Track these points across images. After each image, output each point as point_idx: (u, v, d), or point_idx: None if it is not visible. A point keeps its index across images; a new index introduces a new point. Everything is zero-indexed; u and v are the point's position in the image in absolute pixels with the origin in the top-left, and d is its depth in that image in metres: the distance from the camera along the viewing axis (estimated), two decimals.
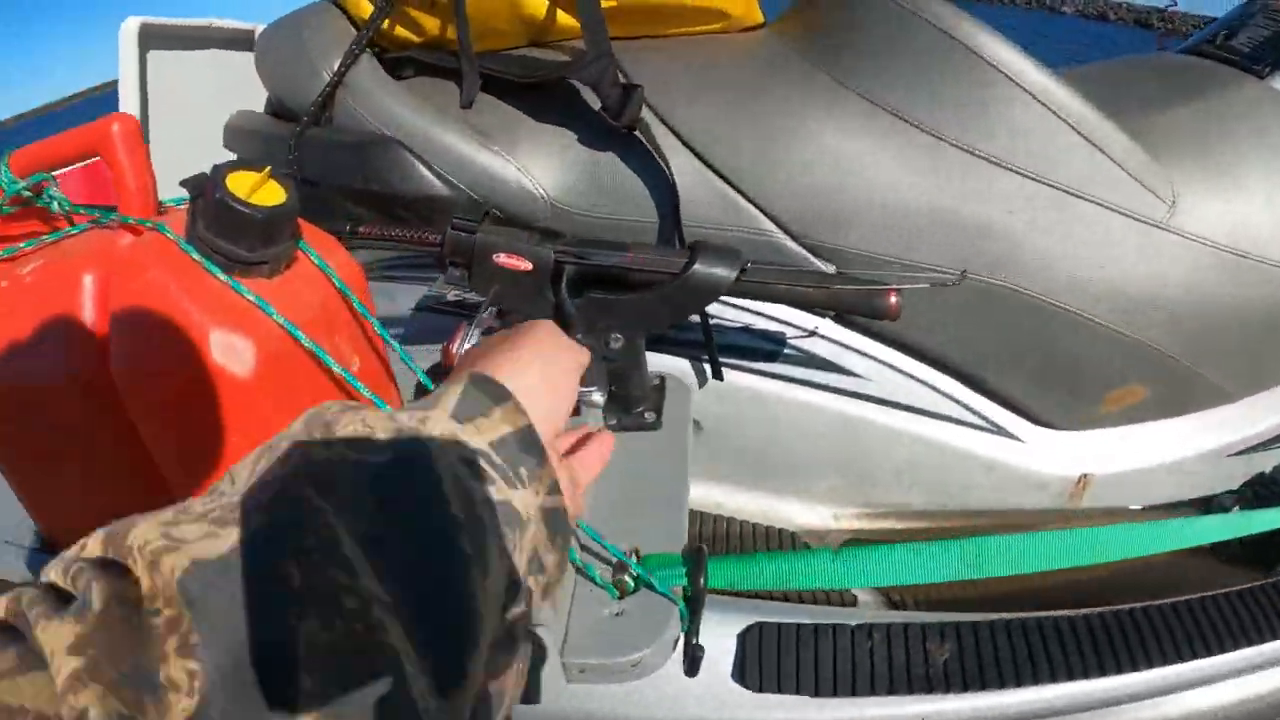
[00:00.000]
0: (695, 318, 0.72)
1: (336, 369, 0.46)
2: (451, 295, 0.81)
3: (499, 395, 0.33)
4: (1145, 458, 0.79)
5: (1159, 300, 0.73)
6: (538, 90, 0.71)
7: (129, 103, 1.10)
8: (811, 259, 0.70)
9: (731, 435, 0.75)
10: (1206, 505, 0.86)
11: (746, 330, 0.72)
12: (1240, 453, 0.82)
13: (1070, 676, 0.60)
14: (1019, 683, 0.60)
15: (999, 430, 0.75)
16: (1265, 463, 0.86)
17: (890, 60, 0.70)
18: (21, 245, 0.49)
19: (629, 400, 0.66)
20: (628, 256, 0.61)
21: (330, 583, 0.23)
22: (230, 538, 0.23)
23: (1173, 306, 0.73)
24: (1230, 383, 0.80)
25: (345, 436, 0.28)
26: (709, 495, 0.80)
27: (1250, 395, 0.82)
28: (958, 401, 0.74)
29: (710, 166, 0.70)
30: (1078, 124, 0.69)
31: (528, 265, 0.61)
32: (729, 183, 0.69)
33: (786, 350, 0.73)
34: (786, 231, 0.69)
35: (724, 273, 0.60)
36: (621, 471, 0.61)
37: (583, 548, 0.54)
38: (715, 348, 0.70)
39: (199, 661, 0.21)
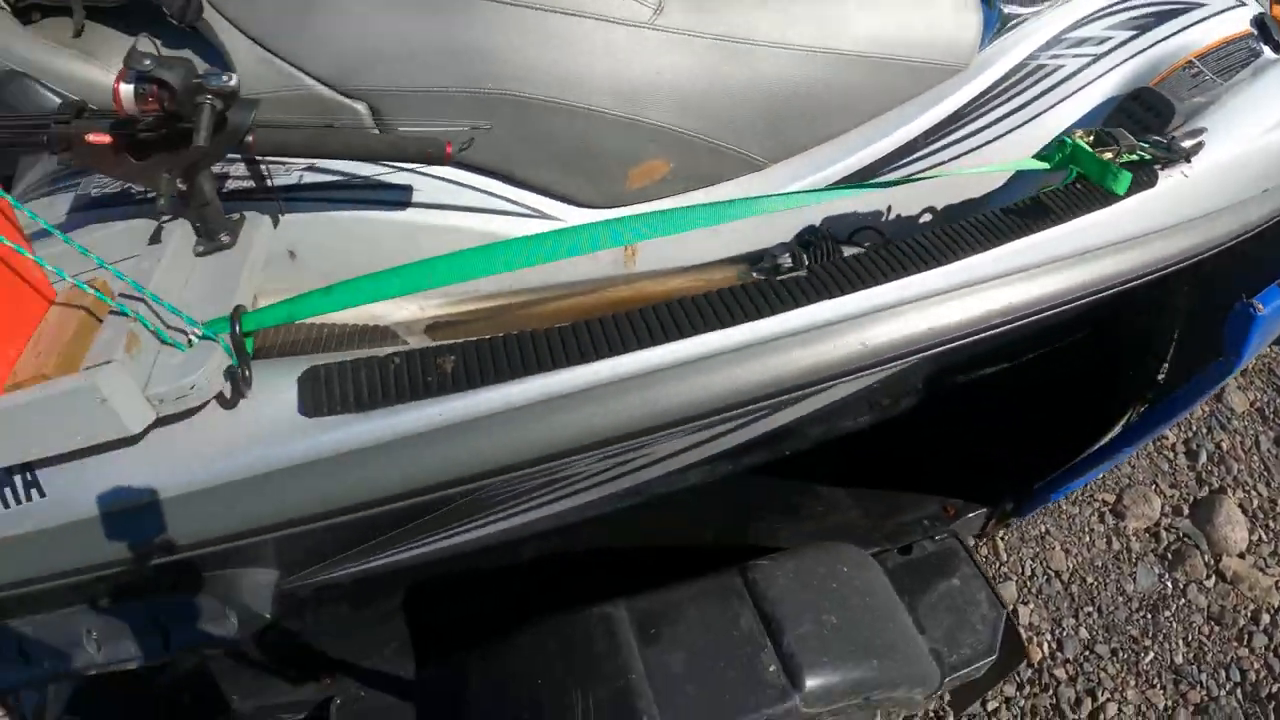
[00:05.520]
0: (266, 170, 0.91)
1: None
2: (94, 191, 0.98)
3: None
4: None
5: (659, 86, 0.92)
6: (127, 11, 0.91)
7: None
8: (348, 102, 0.88)
9: (317, 259, 0.93)
10: (760, 259, 1.05)
11: (313, 169, 0.90)
12: None
13: (543, 369, 0.79)
14: (512, 377, 0.78)
15: (541, 215, 0.94)
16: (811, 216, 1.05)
17: None
18: None
19: (210, 231, 0.84)
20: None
21: None
22: None
23: (675, 91, 0.93)
24: (758, 152, 0.99)
25: None
26: None
27: (780, 161, 1.02)
28: (501, 197, 0.93)
29: (259, 43, 0.88)
30: None
31: (107, 139, 0.79)
32: (271, 51, 0.88)
33: (352, 181, 0.91)
34: (323, 82, 0.88)
35: (238, 118, 0.78)
36: (193, 276, 0.80)
37: (161, 321, 0.72)
38: (278, 189, 0.89)
39: None
